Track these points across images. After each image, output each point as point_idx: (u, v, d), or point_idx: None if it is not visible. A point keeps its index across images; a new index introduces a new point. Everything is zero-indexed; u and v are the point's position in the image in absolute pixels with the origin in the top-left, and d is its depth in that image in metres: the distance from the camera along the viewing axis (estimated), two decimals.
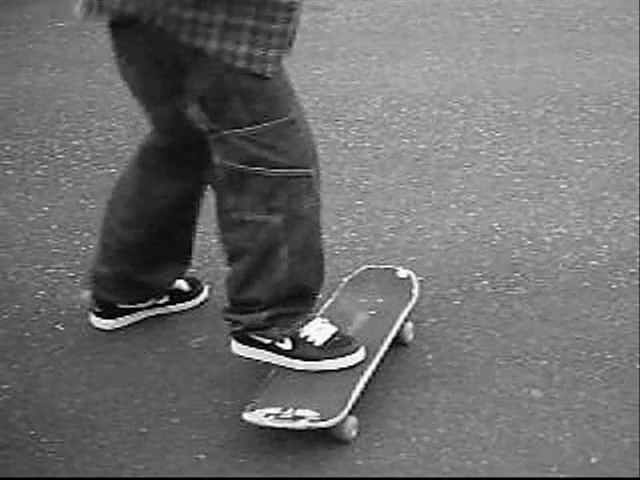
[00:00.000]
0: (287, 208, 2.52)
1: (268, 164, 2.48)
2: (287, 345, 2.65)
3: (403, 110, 4.32)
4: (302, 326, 2.65)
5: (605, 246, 3.31)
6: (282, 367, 2.65)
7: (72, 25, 5.14)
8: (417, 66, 4.78)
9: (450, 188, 3.69)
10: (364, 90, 4.52)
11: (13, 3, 5.68)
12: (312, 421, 2.46)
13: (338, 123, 4.22)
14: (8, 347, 2.92)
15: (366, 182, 3.75)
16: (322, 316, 2.76)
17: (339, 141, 4.07)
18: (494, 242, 3.35)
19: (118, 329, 2.96)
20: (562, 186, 3.69)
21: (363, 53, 4.96)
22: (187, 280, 3.04)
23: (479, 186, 3.70)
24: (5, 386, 2.77)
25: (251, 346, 2.68)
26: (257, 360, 2.70)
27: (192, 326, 2.98)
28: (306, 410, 2.49)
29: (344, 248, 3.33)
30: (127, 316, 2.96)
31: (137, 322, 2.98)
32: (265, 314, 2.62)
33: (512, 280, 3.15)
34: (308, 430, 2.47)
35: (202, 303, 3.05)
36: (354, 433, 2.53)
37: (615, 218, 3.47)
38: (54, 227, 3.50)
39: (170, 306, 3.01)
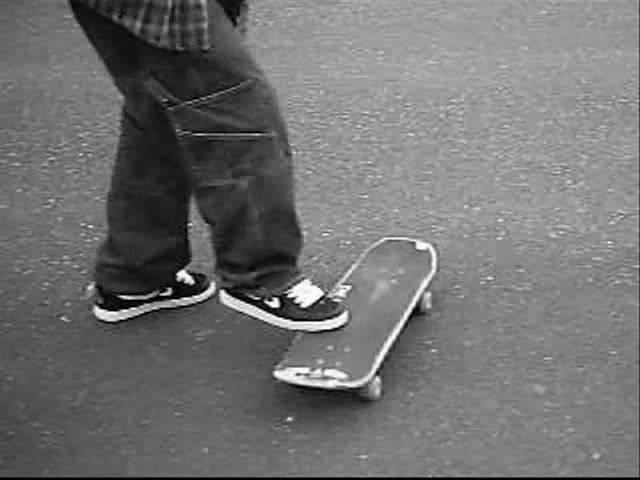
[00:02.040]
0: (252, 171, 2.58)
1: (229, 130, 2.54)
2: (275, 304, 2.72)
3: (409, 104, 4.31)
4: (290, 287, 2.71)
5: (610, 242, 3.31)
6: (305, 331, 2.72)
7: None
8: (423, 61, 4.78)
9: (455, 183, 3.69)
10: (370, 84, 4.52)
11: None
12: (341, 381, 2.55)
13: (344, 117, 4.22)
14: (12, 339, 2.93)
15: (371, 176, 3.75)
16: (345, 283, 2.89)
17: (345, 135, 4.07)
18: (499, 237, 3.35)
19: (122, 322, 2.97)
20: (567, 182, 3.68)
21: (369, 47, 4.95)
22: (193, 275, 3.05)
23: (484, 181, 3.70)
24: (9, 378, 2.78)
25: (240, 299, 2.75)
26: (243, 313, 2.77)
27: (196, 320, 2.98)
28: (334, 371, 2.58)
29: (349, 242, 3.33)
30: (131, 309, 2.97)
31: (141, 315, 2.99)
32: (254, 274, 2.68)
33: (516, 275, 3.15)
34: (337, 390, 2.56)
35: (209, 299, 3.05)
36: (378, 392, 2.64)
37: (620, 214, 3.46)
38: (60, 219, 3.50)
39: (174, 300, 3.01)
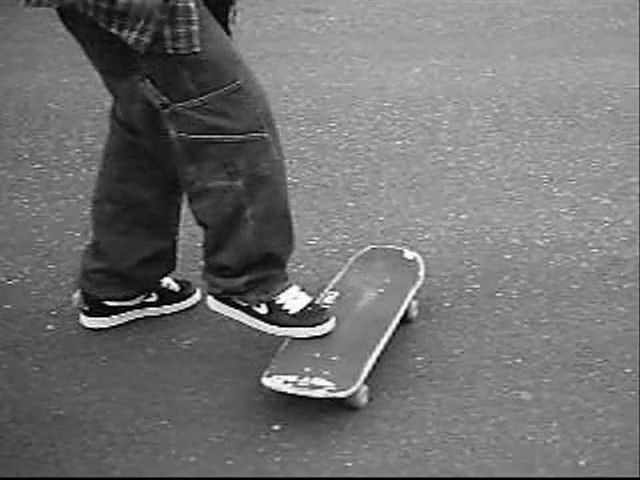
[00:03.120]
0: (247, 172, 2.58)
1: (222, 131, 2.54)
2: (263, 310, 2.72)
3: (395, 112, 4.32)
4: (279, 294, 2.72)
5: (596, 250, 3.32)
6: (293, 338, 2.72)
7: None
8: (410, 69, 4.79)
9: (442, 190, 3.70)
10: (357, 92, 4.53)
11: (6, 4, 5.67)
12: (330, 391, 2.55)
13: (331, 125, 4.22)
14: None
15: (358, 184, 3.75)
16: (332, 290, 2.90)
17: (331, 143, 4.07)
18: (485, 245, 3.36)
19: (108, 329, 2.96)
20: (554, 189, 3.69)
21: (356, 55, 4.96)
22: (178, 281, 3.04)
23: (470, 189, 3.70)
24: None
25: (228, 305, 2.75)
26: (231, 319, 2.78)
27: (182, 327, 2.98)
28: (322, 379, 2.58)
29: (335, 250, 3.33)
30: (116, 316, 2.96)
31: (127, 323, 2.98)
32: (243, 279, 2.68)
33: (503, 283, 3.15)
34: (325, 399, 2.56)
35: (194, 306, 3.05)
36: (365, 400, 2.64)
37: (606, 222, 3.47)
38: (46, 227, 3.50)
39: (160, 307, 3.01)
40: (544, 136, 4.10)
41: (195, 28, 2.44)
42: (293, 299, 2.73)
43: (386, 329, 2.76)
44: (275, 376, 2.59)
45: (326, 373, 2.60)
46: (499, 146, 4.02)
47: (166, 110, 2.55)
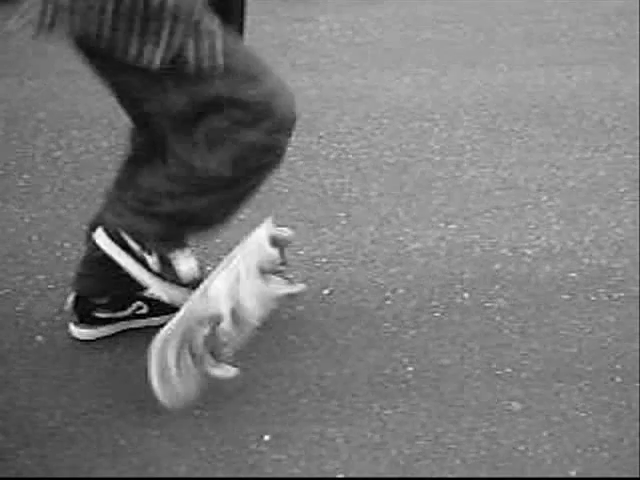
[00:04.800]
0: (251, 167, 2.59)
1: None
2: (153, 262, 2.72)
3: (385, 122, 4.32)
4: (176, 251, 2.72)
5: (585, 259, 3.33)
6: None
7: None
8: (399, 78, 4.79)
9: (431, 200, 3.70)
10: (346, 101, 4.53)
11: None
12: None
13: (320, 135, 4.23)
14: None
15: (347, 194, 3.75)
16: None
17: (320, 153, 4.07)
18: (475, 254, 3.36)
19: (98, 341, 2.95)
20: (543, 198, 3.70)
21: (345, 65, 4.97)
22: None
23: (460, 198, 3.71)
24: None
25: (118, 245, 2.73)
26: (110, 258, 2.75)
27: None
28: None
29: (325, 260, 3.33)
30: (106, 327, 2.96)
31: (116, 334, 2.97)
32: (150, 225, 2.68)
33: (492, 292, 3.16)
34: None
35: None
36: None
37: (595, 231, 3.48)
38: (34, 238, 3.49)
39: (150, 318, 3.00)
40: (533, 146, 4.11)
41: (219, 46, 2.44)
42: (184, 259, 2.74)
43: None
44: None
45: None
46: (488, 156, 4.03)
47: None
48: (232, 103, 2.49)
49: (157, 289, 2.75)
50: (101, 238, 2.75)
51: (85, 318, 2.95)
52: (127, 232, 2.71)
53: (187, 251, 2.76)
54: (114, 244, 2.74)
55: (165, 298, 2.76)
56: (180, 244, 2.74)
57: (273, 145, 2.59)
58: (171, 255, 2.72)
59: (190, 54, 2.42)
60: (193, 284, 2.72)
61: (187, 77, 2.45)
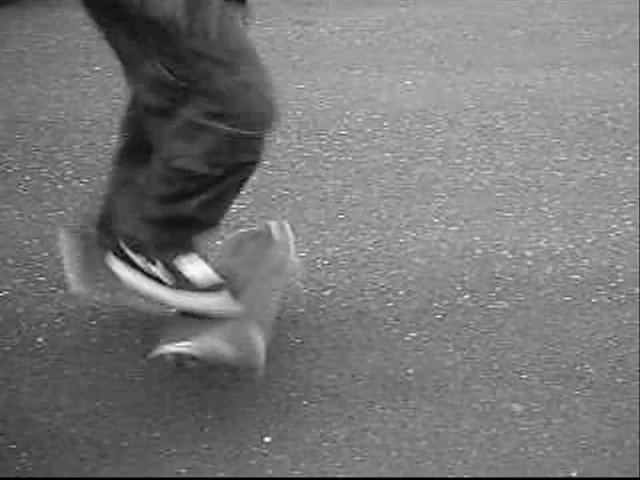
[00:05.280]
0: (228, 163, 2.53)
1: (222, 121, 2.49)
2: (160, 273, 2.67)
3: (386, 124, 4.33)
4: (179, 257, 2.67)
5: (586, 260, 3.33)
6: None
7: (55, 38, 5.14)
8: (400, 80, 4.79)
9: (432, 202, 3.70)
10: (347, 104, 4.53)
11: None
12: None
13: (321, 137, 4.23)
14: None
15: (348, 196, 3.75)
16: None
17: (321, 155, 4.08)
18: (475, 256, 3.36)
19: (99, 342, 2.95)
20: (543, 200, 3.70)
21: (346, 67, 4.97)
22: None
23: (461, 200, 3.71)
24: None
25: (127, 264, 2.71)
26: (124, 280, 2.74)
27: None
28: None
29: (326, 262, 3.33)
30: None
31: (118, 335, 2.97)
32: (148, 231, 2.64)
33: (493, 294, 3.16)
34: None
35: None
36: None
37: (596, 232, 3.48)
38: (36, 239, 3.49)
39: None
40: (534, 147, 4.11)
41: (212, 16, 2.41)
42: (195, 267, 2.68)
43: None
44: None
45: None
46: (489, 157, 4.03)
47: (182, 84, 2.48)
48: (203, 90, 2.45)
49: (179, 301, 2.69)
50: (115, 265, 2.74)
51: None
52: (127, 243, 2.70)
53: (193, 256, 2.70)
54: (125, 265, 2.71)
55: (197, 307, 2.68)
56: (182, 249, 2.69)
57: (245, 140, 2.51)
58: (175, 261, 2.67)
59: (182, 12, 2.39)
60: (216, 288, 2.67)
61: (169, 37, 2.41)
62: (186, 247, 2.70)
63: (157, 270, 2.68)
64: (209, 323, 2.63)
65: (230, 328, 2.62)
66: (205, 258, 2.72)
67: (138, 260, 2.69)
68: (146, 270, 2.69)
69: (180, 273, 2.67)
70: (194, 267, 2.68)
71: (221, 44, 2.46)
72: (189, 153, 2.53)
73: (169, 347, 2.57)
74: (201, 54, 2.45)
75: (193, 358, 2.58)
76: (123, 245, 2.71)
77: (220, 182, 2.57)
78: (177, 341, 2.58)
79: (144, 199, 2.65)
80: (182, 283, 2.66)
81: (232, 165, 2.55)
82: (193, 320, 2.67)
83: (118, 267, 2.74)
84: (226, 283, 2.70)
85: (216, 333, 2.59)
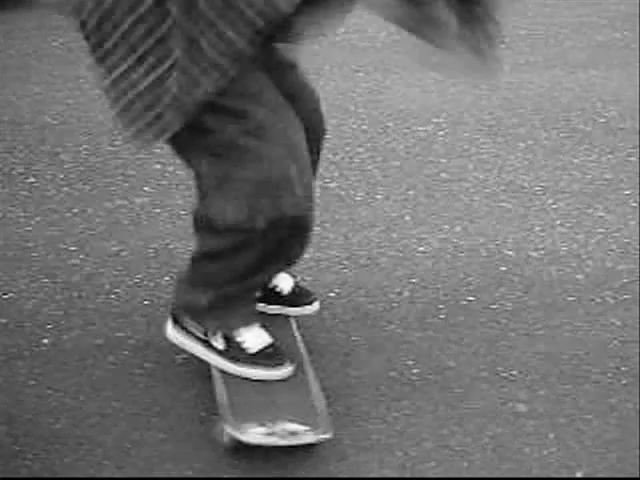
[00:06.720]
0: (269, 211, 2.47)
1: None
2: (220, 345, 2.66)
3: (390, 125, 4.33)
4: (238, 328, 2.65)
5: (590, 261, 3.33)
6: (243, 378, 2.64)
7: (59, 40, 5.15)
8: (404, 82, 4.79)
9: (436, 203, 3.70)
10: (351, 105, 4.53)
11: None
12: (308, 434, 2.46)
13: (326, 137, 4.22)
14: None
15: (353, 197, 3.76)
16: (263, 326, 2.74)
17: (327, 156, 4.07)
18: (480, 257, 3.36)
19: (102, 345, 2.95)
20: (548, 201, 3.70)
21: (350, 69, 4.97)
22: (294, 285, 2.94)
23: (465, 201, 3.71)
24: None
25: (186, 334, 2.71)
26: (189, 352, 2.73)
27: None
28: (292, 424, 2.48)
29: (330, 263, 3.33)
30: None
31: (123, 337, 2.97)
32: (205, 297, 2.62)
33: (498, 295, 3.16)
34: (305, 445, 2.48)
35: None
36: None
37: (600, 233, 3.48)
38: (40, 241, 3.49)
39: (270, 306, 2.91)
40: (538, 148, 4.11)
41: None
42: (254, 337, 2.66)
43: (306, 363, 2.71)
44: (243, 427, 2.49)
45: (287, 416, 2.51)
46: (493, 158, 4.03)
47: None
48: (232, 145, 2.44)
49: (239, 373, 2.66)
50: (170, 331, 2.74)
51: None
52: (185, 311, 2.69)
53: (255, 327, 2.68)
54: (182, 334, 2.72)
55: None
56: (242, 320, 2.67)
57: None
58: (235, 333, 2.65)
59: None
60: (266, 357, 2.65)
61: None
62: (247, 316, 2.69)
63: (220, 345, 2.67)
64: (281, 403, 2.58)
65: (299, 405, 2.57)
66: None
67: (200, 335, 2.70)
68: (208, 343, 2.69)
69: (236, 343, 2.65)
70: (252, 336, 2.66)
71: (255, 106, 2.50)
72: (230, 204, 2.45)
73: (244, 437, 2.48)
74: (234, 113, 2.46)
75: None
76: (183, 317, 2.71)
77: (267, 235, 2.49)
78: (251, 426, 2.50)
79: (195, 259, 2.63)
80: (244, 359, 2.65)
81: (274, 217, 2.45)
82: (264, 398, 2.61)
83: (176, 336, 2.74)
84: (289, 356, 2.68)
85: (288, 414, 2.53)
